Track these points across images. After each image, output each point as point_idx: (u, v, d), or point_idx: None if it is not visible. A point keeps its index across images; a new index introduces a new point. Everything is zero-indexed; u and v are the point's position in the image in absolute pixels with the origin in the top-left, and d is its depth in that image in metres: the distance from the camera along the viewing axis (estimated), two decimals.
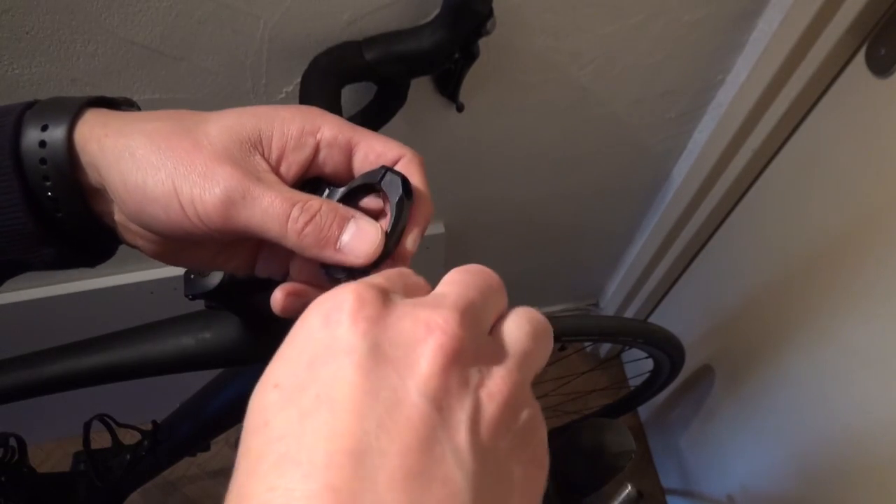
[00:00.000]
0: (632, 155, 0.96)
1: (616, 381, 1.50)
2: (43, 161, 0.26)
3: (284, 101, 0.69)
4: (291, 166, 0.28)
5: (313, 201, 0.27)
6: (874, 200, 0.72)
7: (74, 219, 0.28)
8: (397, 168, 0.29)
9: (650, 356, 1.01)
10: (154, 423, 0.68)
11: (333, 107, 0.58)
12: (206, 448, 0.78)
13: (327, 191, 0.29)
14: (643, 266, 1.20)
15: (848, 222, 0.76)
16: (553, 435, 1.38)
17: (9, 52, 0.56)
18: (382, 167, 0.28)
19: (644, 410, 1.45)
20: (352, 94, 0.69)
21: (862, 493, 0.79)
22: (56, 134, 0.26)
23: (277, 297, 0.29)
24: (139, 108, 0.31)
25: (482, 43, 0.63)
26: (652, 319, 1.34)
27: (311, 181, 0.30)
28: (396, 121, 0.69)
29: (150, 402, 0.82)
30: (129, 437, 0.68)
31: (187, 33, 0.59)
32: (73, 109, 0.27)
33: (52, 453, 1.35)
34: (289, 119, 0.28)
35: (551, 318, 0.85)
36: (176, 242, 0.30)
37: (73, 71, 0.60)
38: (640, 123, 0.89)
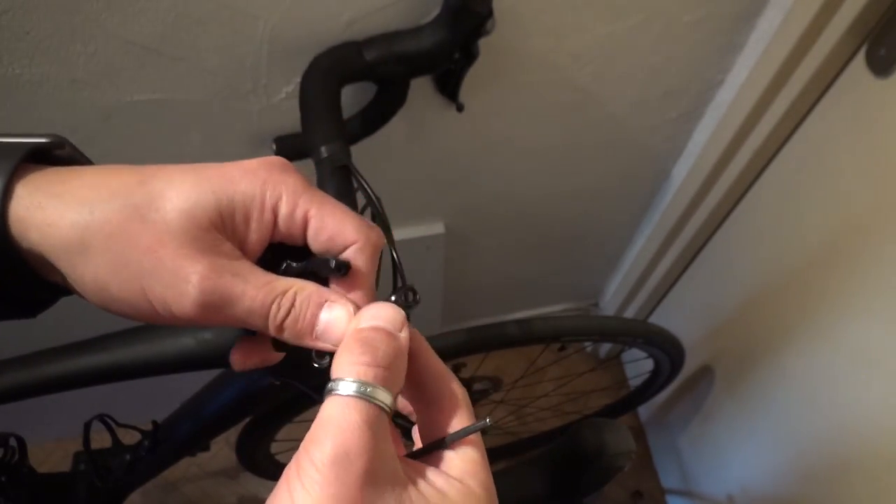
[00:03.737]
0: (632, 155, 0.96)
1: (616, 381, 1.50)
2: None
3: (284, 101, 0.69)
4: (255, 243, 0.27)
5: (289, 292, 0.27)
6: (874, 200, 0.72)
7: (12, 280, 0.26)
8: (346, 255, 0.28)
9: (650, 356, 1.01)
10: (154, 423, 0.68)
11: (333, 107, 0.58)
12: (206, 448, 0.78)
13: (284, 265, 0.29)
14: (643, 266, 1.20)
15: (848, 222, 0.76)
16: (553, 435, 1.37)
17: (9, 52, 0.56)
18: (326, 260, 0.28)
19: (644, 410, 1.45)
20: (352, 94, 0.69)
21: (861, 493, 0.79)
22: None
23: (236, 360, 0.30)
24: (70, 146, 0.28)
25: (482, 43, 0.63)
26: (652, 319, 1.34)
27: (269, 248, 0.29)
28: (396, 121, 0.69)
29: (150, 402, 0.82)
30: (129, 437, 0.68)
31: (187, 33, 0.59)
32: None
33: (52, 453, 1.35)
34: (248, 193, 0.26)
35: (551, 317, 0.84)
36: None
37: (73, 71, 0.60)
38: (639, 124, 0.89)
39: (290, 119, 0.71)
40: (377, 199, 0.50)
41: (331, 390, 0.24)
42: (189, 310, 0.25)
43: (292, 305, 0.26)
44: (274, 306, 0.26)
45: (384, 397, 0.24)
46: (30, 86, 0.60)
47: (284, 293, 0.26)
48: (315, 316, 0.27)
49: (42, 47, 0.57)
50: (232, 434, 0.90)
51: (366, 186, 0.51)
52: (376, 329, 0.26)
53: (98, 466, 0.68)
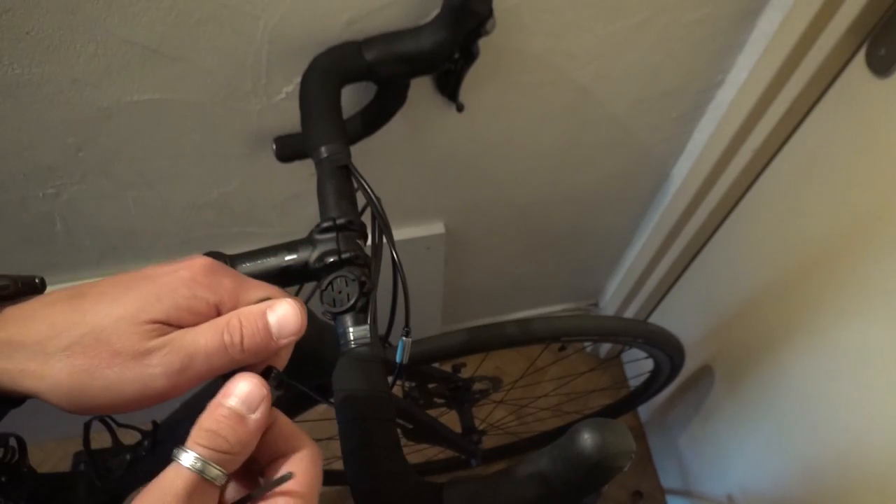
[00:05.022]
0: (632, 155, 0.96)
1: (616, 381, 1.50)
2: None
3: (284, 101, 0.69)
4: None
5: (232, 319, 0.29)
6: (874, 200, 0.72)
7: None
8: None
9: (650, 356, 1.01)
10: (154, 423, 0.68)
11: (333, 107, 0.58)
12: None
13: None
14: (643, 266, 1.20)
15: (848, 222, 0.76)
16: (553, 435, 1.38)
17: (9, 52, 0.56)
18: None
19: (644, 410, 1.45)
20: (352, 94, 0.69)
21: (861, 493, 0.79)
22: None
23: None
24: (41, 285, 0.31)
25: (482, 43, 0.63)
26: (652, 319, 1.34)
27: None
28: (396, 121, 0.69)
29: None
30: (129, 438, 0.68)
31: (187, 33, 0.59)
32: None
33: (52, 453, 1.35)
34: (189, 298, 0.29)
35: (551, 317, 0.84)
36: None
37: (73, 71, 0.60)
38: (640, 124, 0.89)
39: (290, 119, 0.71)
40: (377, 199, 0.50)
41: (175, 455, 0.27)
42: (162, 389, 0.28)
43: (241, 327, 0.29)
44: (226, 337, 0.28)
45: (215, 473, 0.26)
46: (30, 86, 0.60)
47: (228, 322, 0.29)
48: (265, 323, 0.29)
49: (42, 47, 0.57)
50: None
51: (366, 186, 0.51)
52: (229, 414, 0.28)
53: (98, 466, 0.68)
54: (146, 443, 0.68)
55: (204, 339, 0.28)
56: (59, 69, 0.59)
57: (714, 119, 0.89)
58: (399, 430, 0.77)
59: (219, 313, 0.30)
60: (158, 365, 0.27)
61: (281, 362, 0.32)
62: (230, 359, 0.29)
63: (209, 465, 0.26)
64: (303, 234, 0.49)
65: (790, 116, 0.80)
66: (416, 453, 1.29)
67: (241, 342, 0.29)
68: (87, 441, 0.64)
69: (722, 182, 0.94)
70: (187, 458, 0.26)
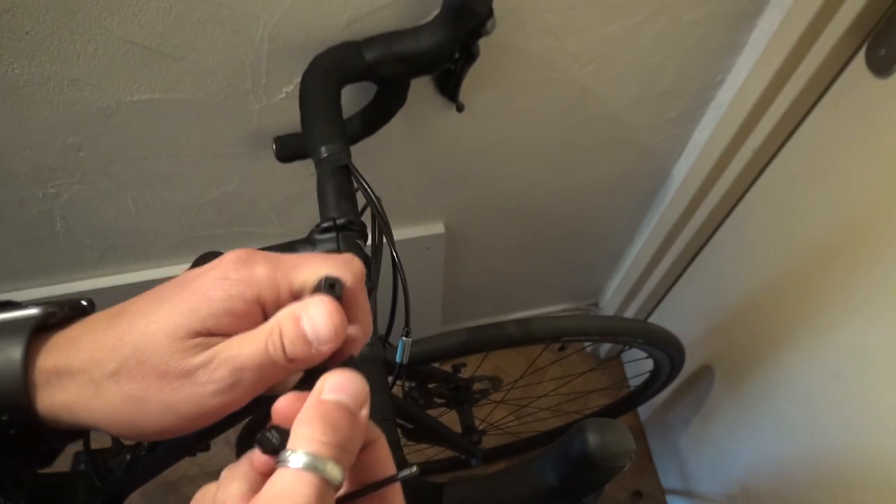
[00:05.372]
0: (632, 155, 0.96)
1: (616, 381, 1.50)
2: None
3: (284, 101, 0.69)
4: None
5: (274, 328, 0.26)
6: (874, 200, 0.72)
7: (27, 436, 0.27)
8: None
9: (650, 356, 1.01)
10: None
11: (333, 107, 0.58)
12: (206, 448, 0.78)
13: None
14: (643, 266, 1.20)
15: (848, 222, 0.76)
16: (553, 435, 1.37)
17: (9, 52, 0.56)
18: (319, 285, 0.27)
19: (644, 410, 1.45)
20: (352, 94, 0.69)
21: (862, 492, 0.79)
22: (13, 395, 0.25)
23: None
24: (59, 307, 0.29)
25: (482, 43, 0.63)
26: (652, 319, 1.34)
27: None
28: (396, 121, 0.69)
29: None
30: None
31: (187, 33, 0.59)
32: (18, 367, 0.25)
33: None
34: (226, 299, 0.26)
35: (551, 317, 0.84)
36: None
37: (73, 71, 0.60)
38: (639, 123, 0.89)
39: (290, 118, 0.71)
40: (377, 199, 0.50)
41: (284, 461, 0.23)
42: (217, 409, 0.26)
43: (280, 335, 0.26)
44: (269, 347, 0.26)
45: (336, 473, 0.23)
46: (30, 86, 0.60)
47: (270, 330, 0.26)
48: (301, 331, 0.26)
49: (42, 47, 0.57)
50: (232, 434, 0.90)
51: (366, 186, 0.51)
52: (339, 406, 0.25)
53: (98, 466, 0.68)
54: (146, 443, 0.68)
55: (248, 350, 0.26)
56: (59, 69, 0.59)
57: (714, 119, 0.89)
58: (399, 430, 0.77)
59: (263, 308, 0.27)
60: (208, 383, 0.25)
61: (355, 348, 0.29)
62: (281, 369, 0.26)
63: (331, 463, 0.23)
64: (303, 234, 0.49)
65: (790, 116, 0.80)
66: (416, 453, 1.29)
67: (284, 352, 0.26)
68: (87, 441, 0.64)
69: (722, 182, 0.94)
70: (298, 459, 0.23)
